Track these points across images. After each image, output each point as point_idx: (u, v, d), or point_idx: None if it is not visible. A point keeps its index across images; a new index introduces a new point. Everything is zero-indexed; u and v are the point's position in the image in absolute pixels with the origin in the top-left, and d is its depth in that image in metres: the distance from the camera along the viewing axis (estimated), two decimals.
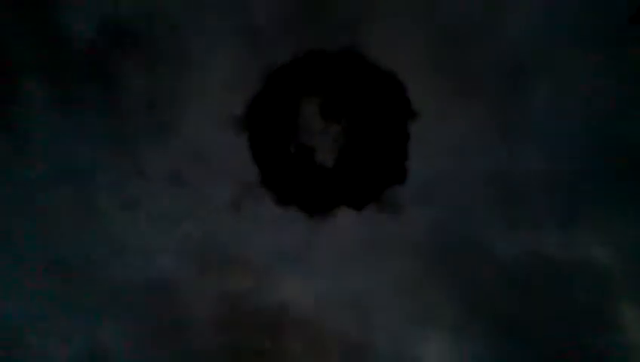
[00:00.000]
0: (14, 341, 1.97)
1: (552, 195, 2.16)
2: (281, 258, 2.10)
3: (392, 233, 2.16)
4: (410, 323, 2.16)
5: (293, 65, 1.99)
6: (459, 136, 2.16)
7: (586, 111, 2.13)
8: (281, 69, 1.99)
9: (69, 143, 2.01)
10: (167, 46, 2.00)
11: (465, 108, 2.15)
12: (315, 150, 2.05)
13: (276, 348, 2.09)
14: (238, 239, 2.08)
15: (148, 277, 2.04)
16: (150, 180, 2.05)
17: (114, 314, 2.04)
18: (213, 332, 2.07)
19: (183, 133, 2.05)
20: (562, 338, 2.12)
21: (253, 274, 2.09)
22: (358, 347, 2.14)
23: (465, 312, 2.17)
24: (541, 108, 2.16)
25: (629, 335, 2.11)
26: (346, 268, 2.15)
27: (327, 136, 2.06)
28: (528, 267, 2.15)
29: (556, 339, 2.13)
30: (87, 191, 2.01)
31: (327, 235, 2.12)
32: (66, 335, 2.00)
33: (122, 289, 2.03)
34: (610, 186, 2.12)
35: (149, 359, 2.03)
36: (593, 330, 2.11)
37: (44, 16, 1.94)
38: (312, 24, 2.01)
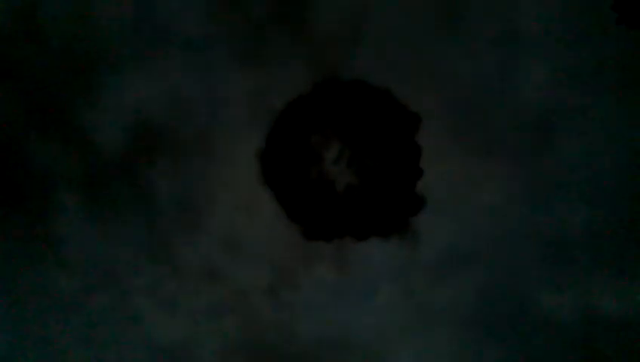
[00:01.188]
0: None
1: (597, 247, 2.08)
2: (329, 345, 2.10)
3: (440, 302, 2.12)
4: None
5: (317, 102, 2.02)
6: (494, 197, 2.12)
7: (619, 156, 2.08)
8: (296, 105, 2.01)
9: (106, 249, 2.05)
10: (193, 145, 2.05)
11: (494, 168, 2.12)
12: (334, 181, 2.02)
13: None
14: (279, 327, 2.09)
15: None
16: (186, 277, 2.08)
17: None
18: None
19: (214, 227, 2.08)
20: None
21: None
22: None
23: None
24: (573, 159, 2.11)
25: None
26: (394, 345, 2.12)
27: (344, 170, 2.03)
28: (581, 325, 2.08)
29: None
30: (125, 295, 2.05)
31: (368, 314, 2.09)
32: None
33: None
34: None
35: None
36: None
37: (71, 127, 2.00)
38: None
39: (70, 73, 1.94)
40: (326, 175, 2.01)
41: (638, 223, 2.07)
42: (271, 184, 2.01)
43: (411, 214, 2.08)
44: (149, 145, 2.00)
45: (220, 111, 2.02)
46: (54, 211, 2.00)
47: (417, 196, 2.09)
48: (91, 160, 1.98)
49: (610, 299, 2.05)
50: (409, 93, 2.07)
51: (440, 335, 2.13)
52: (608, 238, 2.08)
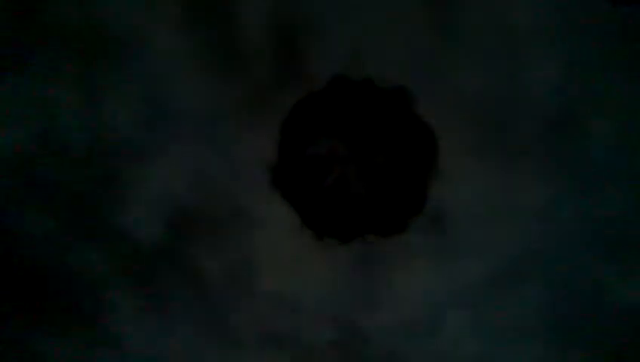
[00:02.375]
0: None
1: None
2: None
3: (514, 314, 2.08)
4: None
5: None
6: (538, 200, 2.07)
7: None
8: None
9: (165, 335, 2.06)
10: (229, 217, 2.05)
11: (529, 171, 2.06)
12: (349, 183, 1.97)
13: None
14: None
15: None
16: (251, 346, 2.07)
17: None
18: None
19: (268, 291, 2.07)
20: None
21: None
22: None
23: None
24: (608, 143, 2.04)
25: None
26: None
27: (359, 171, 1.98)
28: None
29: None
30: None
31: (441, 349, 2.07)
32: None
33: None
34: None
35: None
36: None
37: (106, 227, 2.01)
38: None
39: (93, 176, 1.98)
40: (338, 177, 1.96)
41: None
42: (285, 193, 2.00)
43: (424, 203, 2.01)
44: (186, 228, 2.02)
45: (245, 179, 2.02)
46: (108, 310, 2.03)
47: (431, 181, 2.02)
48: (133, 253, 2.01)
49: None
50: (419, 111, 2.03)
51: (523, 349, 2.09)
52: None
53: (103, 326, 2.02)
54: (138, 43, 1.97)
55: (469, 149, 2.06)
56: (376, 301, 2.08)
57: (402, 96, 2.00)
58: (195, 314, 2.04)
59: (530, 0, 1.98)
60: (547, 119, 2.05)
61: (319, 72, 1.97)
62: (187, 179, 2.00)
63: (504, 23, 2.00)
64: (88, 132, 1.96)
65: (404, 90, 2.00)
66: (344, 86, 1.96)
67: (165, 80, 1.99)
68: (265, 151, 1.99)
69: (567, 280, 2.09)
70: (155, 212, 2.01)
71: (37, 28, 1.94)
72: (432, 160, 2.02)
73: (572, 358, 2.10)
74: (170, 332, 2.05)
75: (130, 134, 1.98)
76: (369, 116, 1.95)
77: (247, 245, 2.04)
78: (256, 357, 2.07)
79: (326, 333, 2.09)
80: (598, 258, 2.08)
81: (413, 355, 2.08)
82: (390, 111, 1.97)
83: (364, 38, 2.01)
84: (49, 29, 1.95)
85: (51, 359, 2.03)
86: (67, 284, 2.00)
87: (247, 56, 1.98)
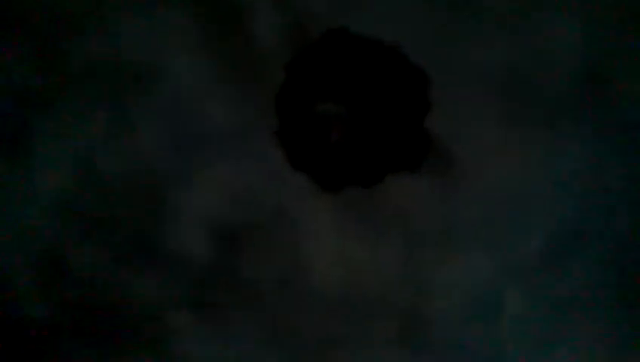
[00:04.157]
0: None
1: None
2: None
3: (573, 287, 2.04)
4: None
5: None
6: (577, 163, 2.04)
7: None
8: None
9: (225, 354, 2.06)
10: (275, 230, 2.06)
11: (562, 137, 2.03)
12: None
13: None
14: None
15: None
16: (309, 352, 2.05)
17: None
18: None
19: (321, 294, 2.07)
20: None
21: None
22: None
23: None
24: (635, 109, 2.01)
25: None
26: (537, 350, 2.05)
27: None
28: None
29: None
30: None
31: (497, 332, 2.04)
32: None
33: None
34: None
35: None
36: None
37: (156, 251, 2.03)
38: None
39: (138, 205, 2.00)
40: (341, 134, 1.94)
41: None
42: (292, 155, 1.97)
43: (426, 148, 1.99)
44: (235, 241, 2.01)
45: (282, 186, 2.03)
46: (172, 333, 2.04)
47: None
48: (188, 274, 2.02)
49: None
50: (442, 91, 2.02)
51: (580, 322, 2.03)
52: None
53: (169, 349, 2.04)
54: (162, 73, 2.00)
55: (503, 120, 2.03)
56: (434, 286, 2.06)
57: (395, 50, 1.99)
58: (254, 324, 2.05)
59: None
60: (577, 82, 2.01)
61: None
62: (227, 195, 2.01)
63: None
64: (126, 163, 1.99)
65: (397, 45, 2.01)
66: (339, 41, 1.95)
67: (191, 104, 2.01)
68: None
69: (618, 247, 2.03)
70: (203, 231, 2.03)
71: (65, 70, 2.00)
72: (425, 100, 1.99)
73: (628, 331, 2.03)
74: (233, 346, 2.05)
75: (167, 160, 2.01)
76: (364, 72, 1.93)
77: (295, 250, 2.04)
78: (320, 358, 2.06)
79: (387, 326, 2.07)
80: None
81: (475, 336, 2.04)
82: (383, 63, 1.95)
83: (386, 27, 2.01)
84: (77, 70, 2.00)
85: None
86: (130, 312, 2.02)
87: (265, 69, 1.99)
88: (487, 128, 2.06)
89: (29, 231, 2.01)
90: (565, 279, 2.05)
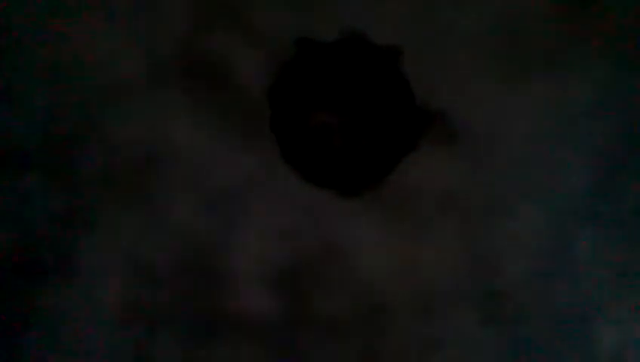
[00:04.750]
0: None
1: None
2: None
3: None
4: None
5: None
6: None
7: None
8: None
9: None
10: (333, 264, 2.06)
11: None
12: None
13: None
14: None
15: None
16: None
17: None
18: None
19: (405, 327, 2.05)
20: None
21: None
22: None
23: None
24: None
25: None
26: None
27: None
28: None
29: None
30: None
31: None
32: None
33: None
34: None
35: None
36: None
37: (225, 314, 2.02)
38: None
39: (194, 282, 2.00)
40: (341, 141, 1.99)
41: None
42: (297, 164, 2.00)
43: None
44: (298, 282, 2.02)
45: (324, 219, 2.03)
46: None
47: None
48: (259, 333, 2.00)
49: None
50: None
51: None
52: None
53: None
54: (170, 150, 2.00)
55: (500, 77, 1.99)
56: (499, 255, 2.03)
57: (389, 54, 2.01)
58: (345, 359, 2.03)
59: None
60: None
61: None
62: (274, 239, 2.01)
63: None
64: (173, 247, 1.99)
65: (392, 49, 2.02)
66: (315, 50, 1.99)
67: (208, 170, 2.01)
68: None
69: None
70: (264, 284, 2.02)
71: (89, 183, 1.99)
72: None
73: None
74: None
75: (208, 226, 2.01)
76: (356, 79, 1.97)
77: (355, 273, 2.02)
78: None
79: (469, 310, 2.03)
80: None
81: (557, 292, 2.02)
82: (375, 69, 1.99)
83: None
84: (100, 175, 1.99)
85: None
86: None
87: (259, 113, 2.01)
88: (486, 91, 2.03)
89: (98, 344, 1.98)
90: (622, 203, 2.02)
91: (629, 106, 2.04)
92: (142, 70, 2.01)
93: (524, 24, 2.03)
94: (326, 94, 1.98)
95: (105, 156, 1.99)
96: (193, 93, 2.02)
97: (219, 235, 2.01)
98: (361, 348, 2.02)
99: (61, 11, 2.01)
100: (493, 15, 2.03)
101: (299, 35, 2.01)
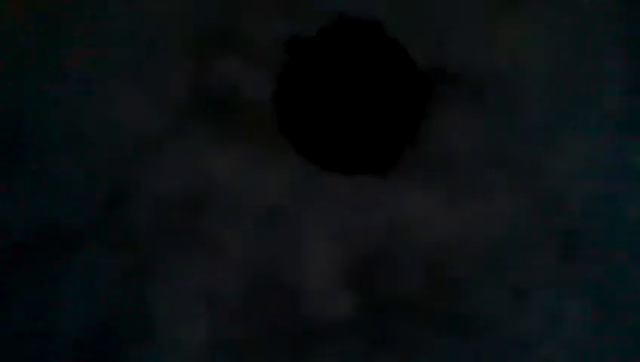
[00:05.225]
0: None
1: None
2: None
3: None
4: None
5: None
6: None
7: None
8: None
9: None
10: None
11: None
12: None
13: None
14: None
15: None
16: None
17: None
18: None
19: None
20: None
21: None
22: None
23: None
24: None
25: None
26: None
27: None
28: None
29: None
30: None
31: None
32: None
33: None
34: None
35: None
36: None
37: None
38: None
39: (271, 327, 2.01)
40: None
41: None
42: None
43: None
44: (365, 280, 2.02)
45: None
46: None
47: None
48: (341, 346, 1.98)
49: None
50: None
51: None
52: None
53: None
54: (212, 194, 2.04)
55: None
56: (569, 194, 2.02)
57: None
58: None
59: None
60: None
61: None
62: (338, 241, 2.02)
63: None
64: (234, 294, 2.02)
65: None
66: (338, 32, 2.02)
67: (258, 194, 2.04)
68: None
69: None
70: (340, 283, 2.03)
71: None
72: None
73: None
74: None
75: (273, 248, 2.02)
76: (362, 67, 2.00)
77: (430, 255, 2.01)
78: None
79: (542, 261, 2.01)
80: None
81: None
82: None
83: None
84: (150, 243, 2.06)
85: None
86: None
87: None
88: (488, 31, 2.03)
89: None
90: None
91: None
92: (163, 117, 2.06)
93: None
94: (328, 84, 2.01)
95: (152, 208, 2.03)
96: (216, 125, 2.06)
97: (282, 251, 2.03)
98: (451, 321, 2.00)
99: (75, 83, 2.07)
100: None
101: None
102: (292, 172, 2.05)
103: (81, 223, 2.01)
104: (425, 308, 2.00)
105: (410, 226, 2.03)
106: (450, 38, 2.07)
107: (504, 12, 2.08)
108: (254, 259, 2.02)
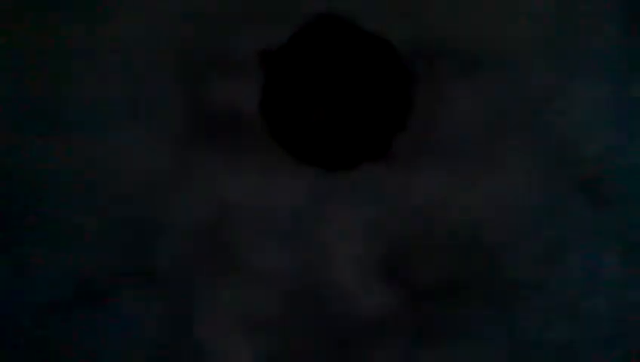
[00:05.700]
0: None
1: None
2: None
3: None
4: None
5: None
6: None
7: None
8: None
9: None
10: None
11: None
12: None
13: None
14: None
15: None
16: None
17: None
18: None
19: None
20: None
21: None
22: None
23: None
24: None
25: None
26: None
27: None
28: None
29: None
30: None
31: None
32: None
33: None
34: None
35: None
36: None
37: None
38: None
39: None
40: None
41: None
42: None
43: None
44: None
45: None
46: None
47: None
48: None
49: None
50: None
51: None
52: None
53: None
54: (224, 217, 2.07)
55: None
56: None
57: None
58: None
59: None
60: None
61: None
62: (368, 236, 2.03)
63: None
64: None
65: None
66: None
67: (282, 209, 2.05)
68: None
69: None
70: (376, 276, 2.04)
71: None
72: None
73: None
74: None
75: (308, 259, 2.04)
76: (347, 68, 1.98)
77: (465, 236, 2.02)
78: None
79: None
80: None
81: None
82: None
83: None
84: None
85: None
86: None
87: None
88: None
89: None
90: None
91: None
92: (168, 151, 2.05)
93: None
94: (312, 86, 1.99)
95: (178, 243, 2.04)
96: (221, 148, 2.05)
97: (313, 257, 2.04)
98: (493, 296, 2.00)
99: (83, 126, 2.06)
100: None
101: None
102: (304, 178, 2.04)
103: (116, 270, 2.02)
104: (464, 286, 2.01)
105: (435, 208, 2.02)
106: (434, 13, 2.03)
107: None
108: (289, 270, 2.03)
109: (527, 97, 2.03)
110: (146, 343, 2.01)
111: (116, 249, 2.03)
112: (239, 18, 2.07)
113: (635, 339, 1.98)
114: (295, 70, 2.00)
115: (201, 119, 2.05)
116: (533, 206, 2.01)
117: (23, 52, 2.06)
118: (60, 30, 2.06)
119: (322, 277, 2.03)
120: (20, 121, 2.05)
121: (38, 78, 2.06)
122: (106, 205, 2.04)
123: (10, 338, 2.00)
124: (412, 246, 2.03)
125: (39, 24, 2.06)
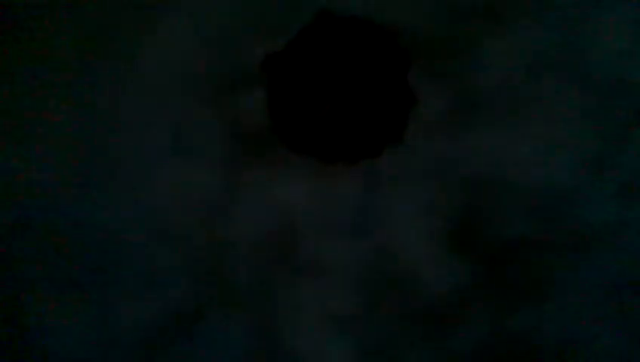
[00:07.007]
0: None
1: None
2: None
3: None
4: None
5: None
6: None
7: None
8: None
9: None
10: None
11: None
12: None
13: None
14: None
15: None
16: None
17: None
18: None
19: None
20: None
21: None
22: None
23: None
24: None
25: None
26: None
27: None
28: None
29: None
30: None
31: None
32: None
33: None
34: None
35: None
36: None
37: None
38: None
39: None
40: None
41: None
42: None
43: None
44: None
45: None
46: None
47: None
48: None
49: None
50: None
51: None
52: None
53: None
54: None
55: None
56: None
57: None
58: None
59: None
60: None
61: None
62: (428, 212, 2.02)
63: None
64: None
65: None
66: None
67: (329, 211, 2.07)
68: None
69: None
70: (441, 240, 2.05)
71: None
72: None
73: None
74: None
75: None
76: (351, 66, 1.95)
77: (521, 189, 1.98)
78: None
79: None
80: None
81: None
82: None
83: None
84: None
85: None
86: None
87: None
88: None
89: None
90: None
91: None
92: (216, 173, 2.05)
93: None
94: (318, 84, 1.98)
95: (251, 257, 2.06)
96: (266, 158, 2.04)
97: (383, 245, 2.04)
98: (569, 246, 1.97)
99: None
100: None
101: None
102: (354, 170, 2.03)
103: (200, 298, 2.07)
104: (538, 247, 1.97)
105: (495, 174, 1.98)
106: None
107: None
108: (363, 261, 2.04)
109: (558, 38, 1.93)
110: (241, 360, 2.07)
111: (191, 274, 2.08)
112: (252, 31, 2.04)
113: None
114: (296, 70, 1.99)
115: (238, 137, 2.05)
116: (593, 148, 1.94)
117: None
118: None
119: (396, 261, 2.03)
120: (86, 181, 2.10)
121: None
122: (172, 242, 2.08)
123: None
124: (478, 212, 1.99)
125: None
